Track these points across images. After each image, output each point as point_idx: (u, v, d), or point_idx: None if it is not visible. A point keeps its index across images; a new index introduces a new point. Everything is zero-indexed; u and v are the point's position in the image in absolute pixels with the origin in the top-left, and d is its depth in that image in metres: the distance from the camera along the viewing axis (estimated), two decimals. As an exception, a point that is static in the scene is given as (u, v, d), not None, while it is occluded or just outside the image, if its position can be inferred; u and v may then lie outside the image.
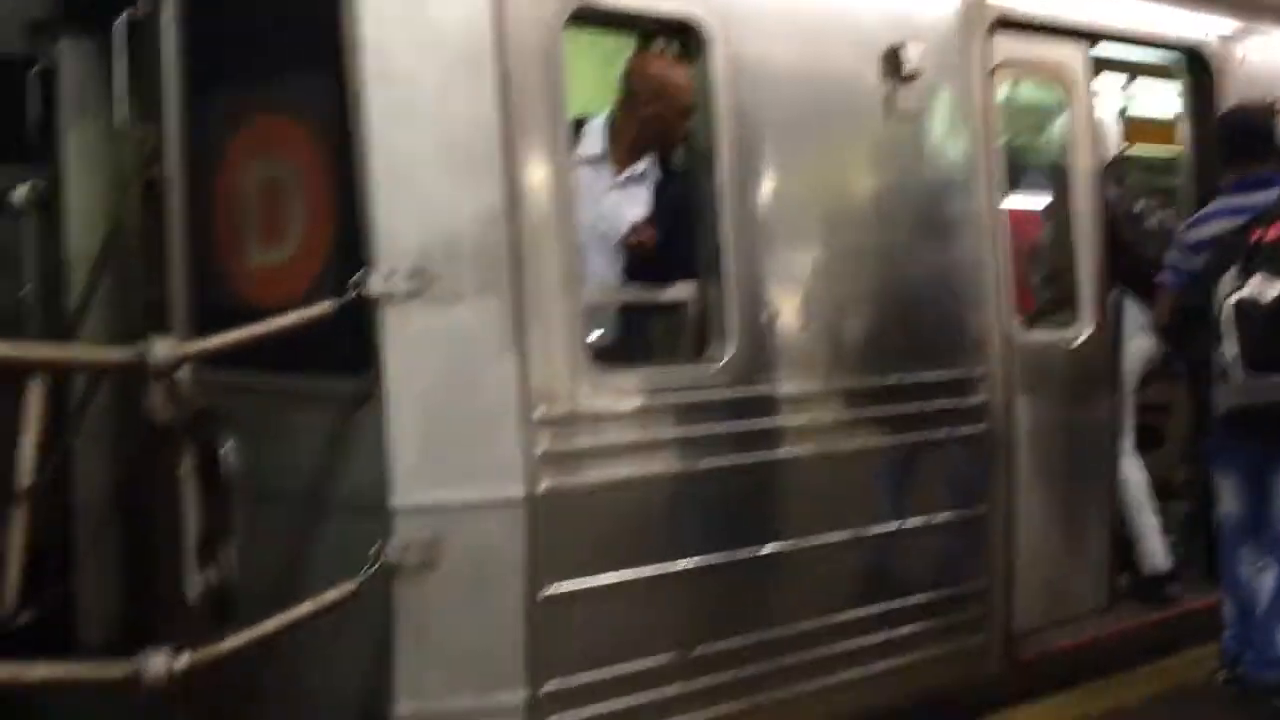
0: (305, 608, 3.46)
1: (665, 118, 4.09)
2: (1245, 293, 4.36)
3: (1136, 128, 9.00)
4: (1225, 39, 5.82)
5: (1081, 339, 5.26)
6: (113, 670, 3.25)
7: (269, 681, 3.86)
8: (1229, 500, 4.83)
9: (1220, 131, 5.13)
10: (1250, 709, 4.70)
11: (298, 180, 3.95)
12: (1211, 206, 4.96)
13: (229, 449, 4.04)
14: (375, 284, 3.57)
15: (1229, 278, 4.43)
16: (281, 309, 3.71)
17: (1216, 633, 4.96)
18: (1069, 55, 5.28)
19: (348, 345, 3.71)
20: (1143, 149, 8.56)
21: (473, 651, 3.68)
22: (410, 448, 3.61)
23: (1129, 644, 5.29)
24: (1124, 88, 8.59)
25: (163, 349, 3.35)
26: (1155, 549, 5.53)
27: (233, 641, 3.38)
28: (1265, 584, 4.70)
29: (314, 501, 3.79)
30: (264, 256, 4.07)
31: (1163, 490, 6.05)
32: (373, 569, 3.53)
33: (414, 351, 3.63)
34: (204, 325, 4.14)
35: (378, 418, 3.61)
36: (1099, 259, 5.32)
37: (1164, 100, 8.26)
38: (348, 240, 3.72)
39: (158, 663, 3.22)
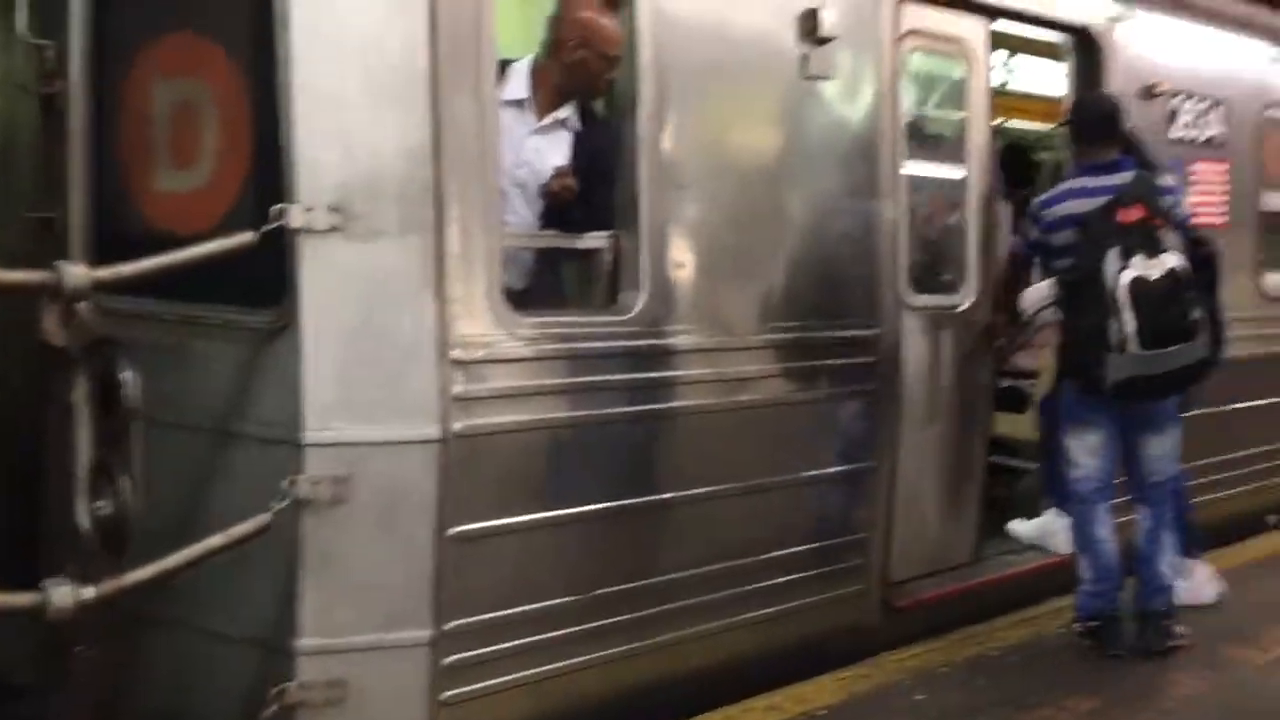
0: (215, 540, 3.43)
1: (591, 65, 4.09)
2: (1137, 271, 4.62)
3: (1019, 103, 9.37)
4: (1112, 21, 6.07)
5: (968, 304, 5.48)
6: (18, 600, 3.17)
7: (167, 612, 3.81)
8: (1088, 464, 5.06)
9: (1074, 116, 5.33)
10: (1098, 656, 5.03)
11: (212, 104, 3.85)
12: (1064, 186, 5.16)
13: (128, 377, 3.94)
14: (295, 217, 3.51)
15: (1113, 256, 4.65)
16: (190, 237, 3.63)
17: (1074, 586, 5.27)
18: (971, 29, 5.45)
19: (263, 277, 3.65)
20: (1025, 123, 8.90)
21: (379, 588, 3.70)
22: (324, 383, 3.59)
23: (994, 595, 5.58)
24: (1005, 64, 8.93)
25: (75, 274, 3.25)
26: None
27: (140, 573, 3.32)
28: (1142, 525, 5.11)
29: (221, 433, 3.74)
30: (173, 181, 3.96)
31: (1029, 451, 6.41)
32: (284, 503, 3.51)
33: (332, 287, 3.59)
34: (103, 250, 4.03)
35: (292, 351, 3.58)
36: (988, 228, 5.54)
37: (1046, 78, 8.65)
38: (265, 170, 3.65)
39: (63, 594, 3.16)
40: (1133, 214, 4.73)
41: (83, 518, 4.02)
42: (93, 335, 3.98)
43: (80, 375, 4.01)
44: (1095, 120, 5.21)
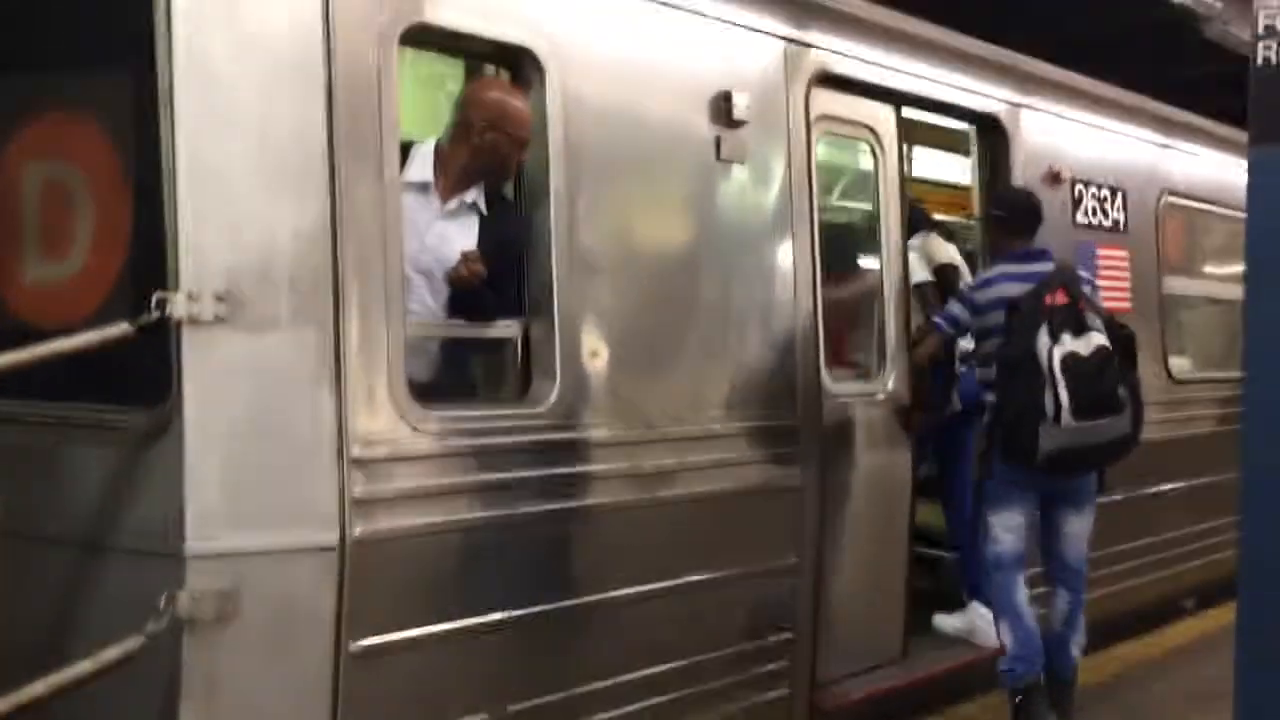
0: (83, 666, 3.06)
1: (500, 147, 3.90)
2: (1069, 348, 4.82)
3: (928, 193, 9.48)
4: (1014, 110, 6.12)
5: (887, 390, 5.35)
6: None
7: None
8: (1008, 539, 5.14)
9: (1002, 209, 5.59)
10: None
11: (86, 186, 3.57)
12: (995, 271, 5.39)
13: (-12, 485, 3.58)
14: (177, 306, 3.23)
15: (1043, 334, 4.84)
16: (61, 330, 3.32)
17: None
18: (880, 115, 5.42)
19: (140, 373, 3.36)
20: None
21: (270, 715, 3.36)
22: (208, 487, 3.27)
23: (925, 691, 5.37)
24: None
25: (-75, 370, 2.91)
26: None
27: (-4, 706, 2.94)
28: (1059, 607, 5.26)
29: (91, 546, 3.39)
30: (42, 270, 3.65)
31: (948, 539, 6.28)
32: (160, 623, 3.17)
33: (218, 382, 3.30)
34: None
35: (173, 453, 3.26)
36: (905, 313, 5.45)
37: (946, 168, 8.76)
38: (145, 256, 3.38)
39: (-99, 734, 2.76)
40: (1059, 298, 4.97)
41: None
42: (-53, 440, 3.64)
43: (-67, 484, 3.65)
44: (1023, 213, 5.51)
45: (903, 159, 5.56)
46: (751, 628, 4.66)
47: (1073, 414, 4.75)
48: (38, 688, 3.04)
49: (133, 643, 3.12)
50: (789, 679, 4.80)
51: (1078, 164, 6.49)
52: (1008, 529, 5.11)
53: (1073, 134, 6.57)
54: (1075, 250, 6.40)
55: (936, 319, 5.50)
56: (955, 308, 5.43)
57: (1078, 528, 5.23)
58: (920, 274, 6.04)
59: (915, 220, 6.13)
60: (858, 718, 5.08)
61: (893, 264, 5.44)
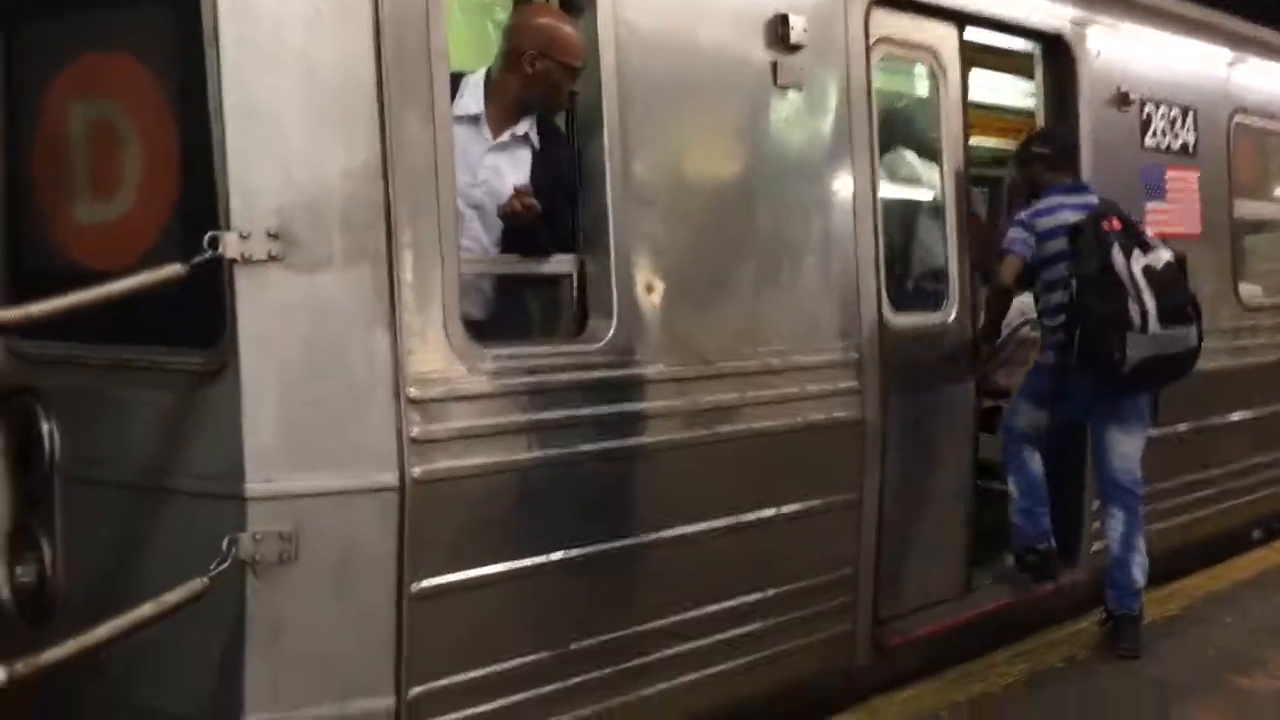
0: (145, 610, 3.05)
1: (551, 75, 3.79)
2: (1145, 261, 5.07)
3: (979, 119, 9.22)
4: (1080, 28, 5.88)
5: (949, 319, 5.21)
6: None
7: (95, 691, 3.43)
8: (1032, 414, 5.45)
9: (1049, 146, 5.69)
10: (1111, 684, 4.81)
11: (133, 125, 3.50)
12: (1053, 201, 5.45)
13: (47, 429, 3.57)
14: (230, 246, 3.17)
15: (1117, 250, 5.08)
16: (113, 271, 3.27)
17: (1073, 613, 5.04)
18: (942, 36, 5.23)
19: (195, 314, 3.31)
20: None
21: (334, 655, 3.35)
22: (267, 429, 3.24)
23: (987, 627, 5.30)
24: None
25: (-18, 314, 2.89)
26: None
27: (59, 650, 2.94)
28: (1115, 529, 5.37)
29: (152, 489, 3.37)
30: (92, 212, 3.61)
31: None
32: (223, 565, 3.16)
33: (273, 323, 3.25)
34: (16, 288, 3.67)
35: (230, 395, 3.23)
36: (964, 241, 5.30)
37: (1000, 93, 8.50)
38: (196, 196, 3.32)
39: (-28, 676, 2.77)
40: (1115, 224, 5.20)
41: (1, 586, 3.66)
42: (7, 383, 3.64)
43: (-6, 428, 3.66)
44: (1068, 148, 5.71)
45: (965, 83, 5.36)
46: (813, 564, 4.60)
47: (1158, 321, 4.99)
48: (101, 632, 3.04)
49: (196, 585, 3.11)
50: (851, 615, 4.75)
51: (1146, 84, 6.25)
52: (1028, 418, 5.44)
53: (1141, 52, 6.31)
54: (1143, 174, 6.20)
55: (1008, 245, 5.42)
56: (1018, 233, 5.42)
57: (1128, 448, 5.34)
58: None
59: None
60: (920, 653, 5.02)
61: (952, 192, 5.27)
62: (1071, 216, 5.27)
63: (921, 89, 5.54)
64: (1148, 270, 5.03)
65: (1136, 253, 5.06)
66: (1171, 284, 5.10)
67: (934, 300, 5.31)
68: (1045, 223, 5.35)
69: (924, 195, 5.55)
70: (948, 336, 5.20)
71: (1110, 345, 5.00)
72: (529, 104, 3.87)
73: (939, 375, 5.17)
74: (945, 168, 5.30)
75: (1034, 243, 5.37)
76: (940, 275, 5.30)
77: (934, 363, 5.15)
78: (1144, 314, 4.99)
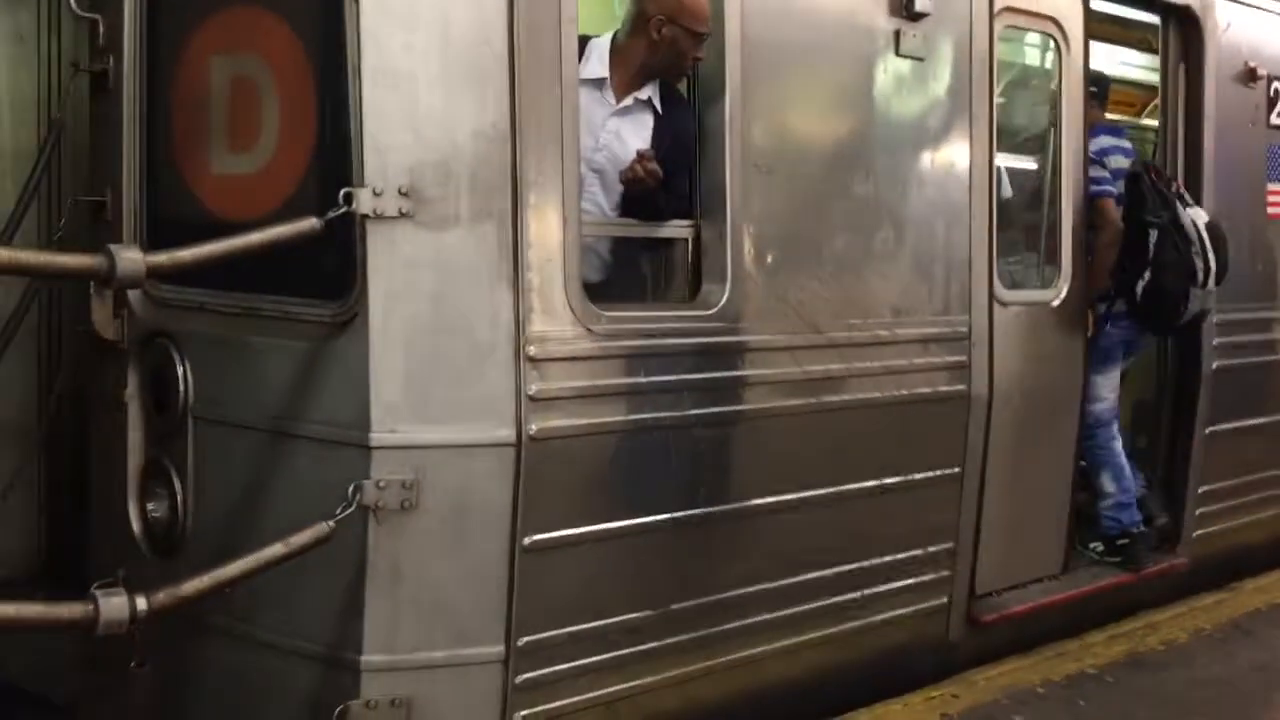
0: (275, 549, 3.18)
1: (678, 42, 3.80)
2: (1199, 217, 5.23)
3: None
4: (1209, 3, 5.73)
5: (1061, 298, 5.15)
6: (66, 612, 2.94)
7: (221, 622, 3.59)
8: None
9: (1097, 83, 5.58)
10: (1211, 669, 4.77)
11: (273, 81, 3.59)
12: (1105, 142, 5.50)
13: (182, 372, 3.71)
14: (363, 202, 3.26)
15: (1178, 204, 5.23)
16: (248, 222, 3.39)
17: (1170, 598, 4.99)
18: (1067, 6, 5.12)
19: (327, 266, 3.41)
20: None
21: (449, 602, 3.46)
22: (392, 380, 3.34)
23: (1084, 607, 5.27)
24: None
25: (129, 260, 3.01)
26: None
27: (198, 583, 3.08)
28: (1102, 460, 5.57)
29: (280, 434, 3.50)
30: (231, 164, 3.72)
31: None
32: (347, 510, 3.27)
33: (401, 277, 3.34)
34: (156, 236, 3.81)
35: (358, 346, 3.33)
36: (1081, 217, 5.21)
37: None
38: (331, 152, 3.41)
39: (116, 605, 2.92)
40: (1156, 174, 5.35)
41: (134, 521, 3.82)
42: (145, 327, 3.78)
43: (132, 370, 3.81)
44: (1107, 86, 5.80)
45: (1088, 54, 5.26)
46: (913, 536, 4.61)
47: (1216, 278, 5.20)
48: (233, 569, 3.17)
49: (322, 528, 3.22)
50: (948, 589, 4.76)
51: (1275, 60, 6.06)
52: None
53: (1270, 27, 6.13)
54: (1268, 152, 6.04)
55: (1101, 187, 5.38)
56: (1099, 172, 5.40)
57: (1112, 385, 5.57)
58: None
59: None
60: (1015, 630, 5.01)
61: (1070, 165, 5.17)
62: (1124, 160, 5.40)
63: (1044, 60, 5.43)
64: (1209, 227, 5.20)
65: (1189, 208, 5.21)
66: (1223, 243, 5.27)
67: (1045, 277, 5.25)
68: (1112, 162, 5.43)
69: (1040, 170, 5.45)
70: (1058, 313, 5.13)
71: (1178, 299, 5.16)
72: (654, 69, 3.89)
73: (1047, 353, 5.10)
74: (1064, 141, 5.20)
75: (1111, 182, 5.38)
76: (1054, 252, 5.22)
77: (1043, 340, 5.08)
78: (1207, 270, 5.16)
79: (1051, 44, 5.21)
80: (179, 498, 3.70)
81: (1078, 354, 5.24)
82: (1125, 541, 5.47)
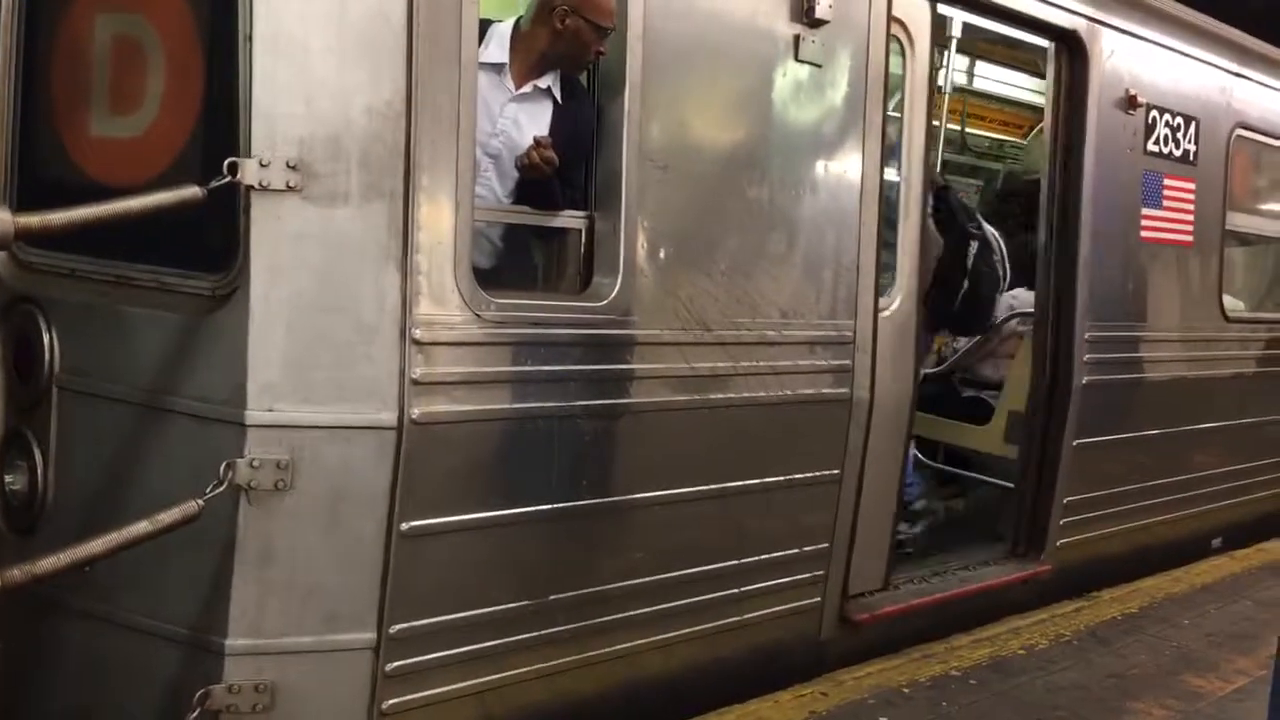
0: (140, 527, 3.08)
1: (581, 34, 3.79)
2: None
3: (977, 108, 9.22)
4: (1094, 27, 5.90)
5: (894, 307, 5.13)
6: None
7: (80, 602, 3.46)
8: None
9: None
10: (1069, 675, 4.90)
11: (159, 43, 3.48)
12: None
13: (48, 340, 3.57)
14: (248, 172, 3.17)
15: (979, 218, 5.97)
16: (128, 188, 3.27)
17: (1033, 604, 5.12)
18: (914, 10, 5.07)
19: (208, 238, 3.32)
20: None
21: (320, 587, 3.39)
22: (271, 357, 3.26)
23: (957, 607, 5.40)
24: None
25: (-4, 220, 2.87)
26: None
27: (55, 560, 2.96)
28: None
29: (151, 408, 3.39)
30: (110, 126, 3.59)
31: (990, 465, 6.26)
32: (218, 488, 3.18)
33: (285, 252, 3.26)
34: (27, 197, 3.65)
35: (237, 320, 3.25)
36: (919, 228, 5.20)
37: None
38: (217, 120, 3.31)
39: (-36, 580, 2.79)
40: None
41: (-10, 493, 3.66)
42: (11, 292, 3.63)
43: (-6, 335, 3.65)
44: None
45: (933, 61, 5.26)
46: (789, 535, 4.66)
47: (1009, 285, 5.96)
48: (96, 546, 3.05)
49: (191, 507, 3.13)
50: (821, 588, 4.82)
51: (1154, 90, 6.29)
52: None
53: (1151, 57, 6.35)
54: (1142, 179, 6.26)
55: None
56: None
57: None
58: None
59: None
60: (887, 630, 5.11)
61: (914, 177, 5.15)
62: None
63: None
64: (997, 237, 5.76)
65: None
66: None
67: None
68: None
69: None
70: (893, 325, 5.09)
71: (990, 305, 5.79)
72: (554, 59, 3.87)
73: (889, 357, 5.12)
74: (908, 153, 5.19)
75: None
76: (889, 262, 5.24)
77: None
78: (1005, 277, 5.81)
79: (897, 48, 5.24)
80: (39, 471, 3.56)
81: (910, 363, 5.26)
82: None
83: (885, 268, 5.09)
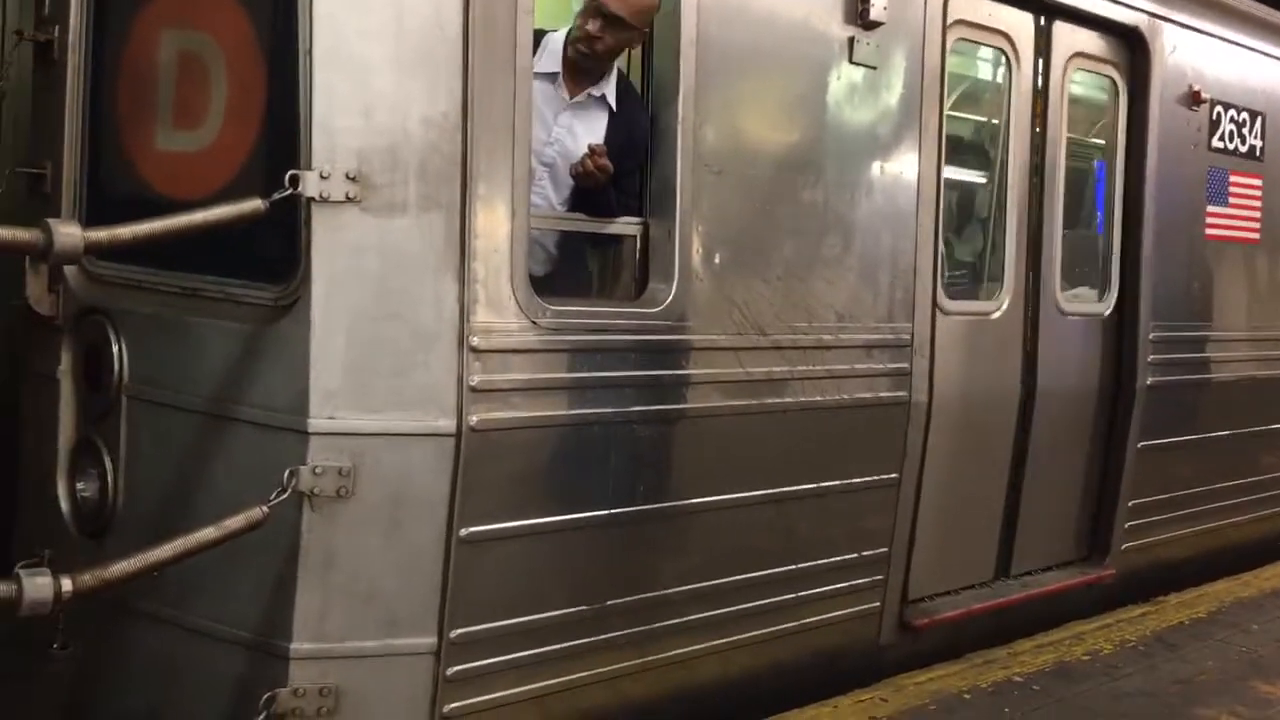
0: (208, 533, 3.14)
1: (635, 43, 3.80)
2: None
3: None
4: (1156, 23, 5.82)
5: (1001, 311, 5.22)
6: (-12, 590, 2.88)
7: (149, 605, 3.54)
8: None
9: None
10: (1134, 681, 4.83)
11: (223, 59, 3.55)
12: None
13: (118, 350, 3.65)
14: (309, 185, 3.23)
15: None
16: (192, 201, 3.34)
17: (1097, 609, 5.06)
18: (1019, 23, 5.19)
19: (271, 248, 3.38)
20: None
21: (381, 591, 3.43)
22: (332, 366, 3.31)
23: (1013, 617, 5.34)
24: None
25: (67, 234, 2.95)
26: None
27: (126, 565, 3.03)
28: None
29: (217, 416, 3.46)
30: (175, 141, 3.67)
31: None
32: (282, 495, 3.24)
33: (345, 262, 3.31)
34: (96, 211, 3.75)
35: (299, 330, 3.30)
36: (1025, 233, 5.29)
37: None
38: (279, 133, 3.37)
39: (40, 585, 2.87)
40: None
41: (62, 500, 3.76)
42: (81, 303, 3.72)
43: (66, 346, 3.74)
44: None
45: (1037, 72, 5.33)
46: (848, 540, 4.64)
47: None
48: (164, 551, 3.12)
49: (256, 513, 3.19)
50: (881, 593, 4.80)
51: (1218, 85, 6.18)
52: None
53: (1214, 52, 6.24)
54: (1207, 176, 6.16)
55: None
56: None
57: None
58: None
59: None
60: (947, 635, 5.07)
61: (1015, 182, 5.24)
62: None
63: (992, 76, 5.49)
64: None
65: None
66: None
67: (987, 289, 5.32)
68: None
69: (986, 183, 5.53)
70: (998, 325, 5.20)
71: None
72: (608, 67, 3.87)
73: (987, 362, 5.17)
74: (1011, 160, 5.26)
75: None
76: (998, 264, 5.28)
77: (983, 349, 5.15)
78: None
79: (1003, 60, 5.28)
80: (109, 478, 3.64)
81: (1016, 365, 5.30)
82: None
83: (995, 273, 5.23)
